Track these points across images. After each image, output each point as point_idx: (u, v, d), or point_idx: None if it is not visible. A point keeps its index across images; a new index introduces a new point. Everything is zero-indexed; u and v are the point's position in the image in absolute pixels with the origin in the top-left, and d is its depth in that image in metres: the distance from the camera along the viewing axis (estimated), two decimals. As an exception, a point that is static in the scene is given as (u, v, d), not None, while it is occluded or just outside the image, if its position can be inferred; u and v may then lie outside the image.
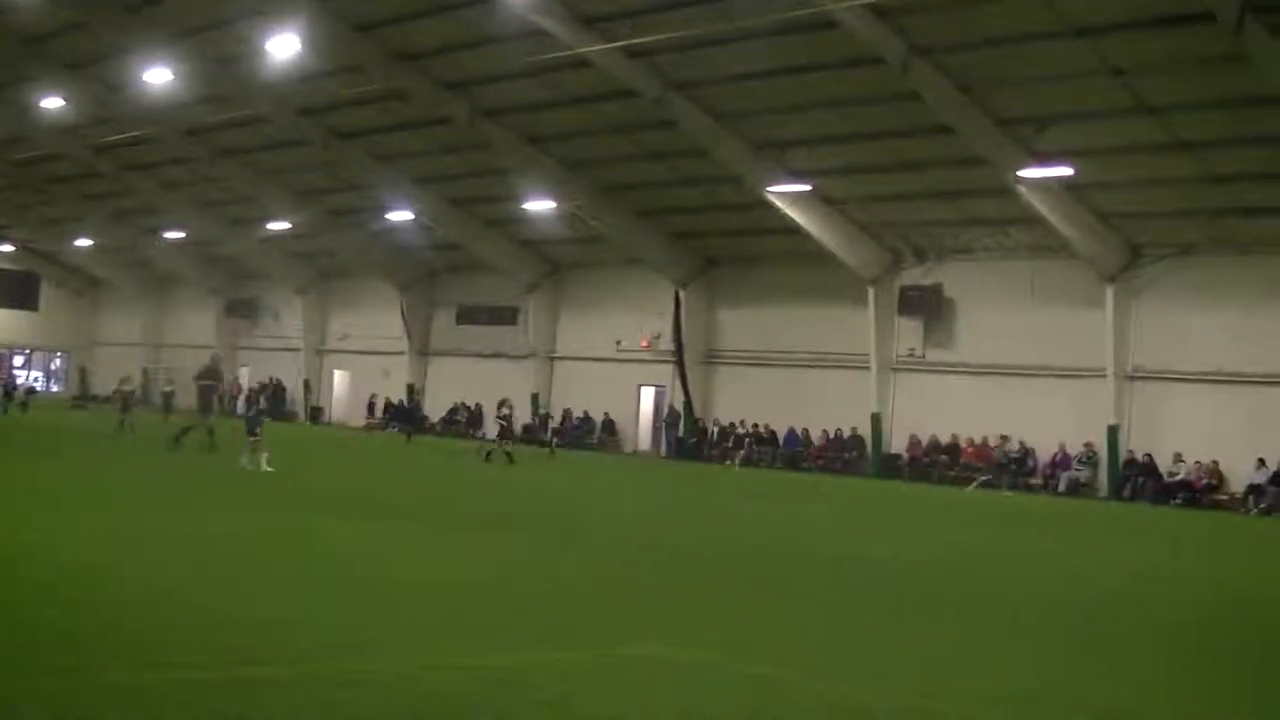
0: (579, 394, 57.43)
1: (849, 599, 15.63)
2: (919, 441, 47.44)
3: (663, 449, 54.67)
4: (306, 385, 70.05)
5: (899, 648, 12.35)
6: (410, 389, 62.31)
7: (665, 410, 55.00)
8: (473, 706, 8.93)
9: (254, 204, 63.24)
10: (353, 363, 68.80)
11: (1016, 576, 19.61)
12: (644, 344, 55.10)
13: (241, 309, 75.08)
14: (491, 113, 48.26)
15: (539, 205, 52.22)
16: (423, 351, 65.17)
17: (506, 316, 60.93)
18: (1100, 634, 14.01)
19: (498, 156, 50.71)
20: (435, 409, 63.05)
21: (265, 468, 29.44)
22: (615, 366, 56.22)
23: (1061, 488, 43.43)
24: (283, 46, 41.98)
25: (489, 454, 41.24)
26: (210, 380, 38.28)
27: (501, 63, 43.98)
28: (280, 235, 64.75)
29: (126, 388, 45.95)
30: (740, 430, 51.67)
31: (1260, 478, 39.92)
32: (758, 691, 9.90)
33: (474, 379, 61.57)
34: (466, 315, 62.99)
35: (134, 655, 9.75)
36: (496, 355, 60.70)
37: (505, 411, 42.31)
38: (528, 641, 11.41)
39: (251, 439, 30.27)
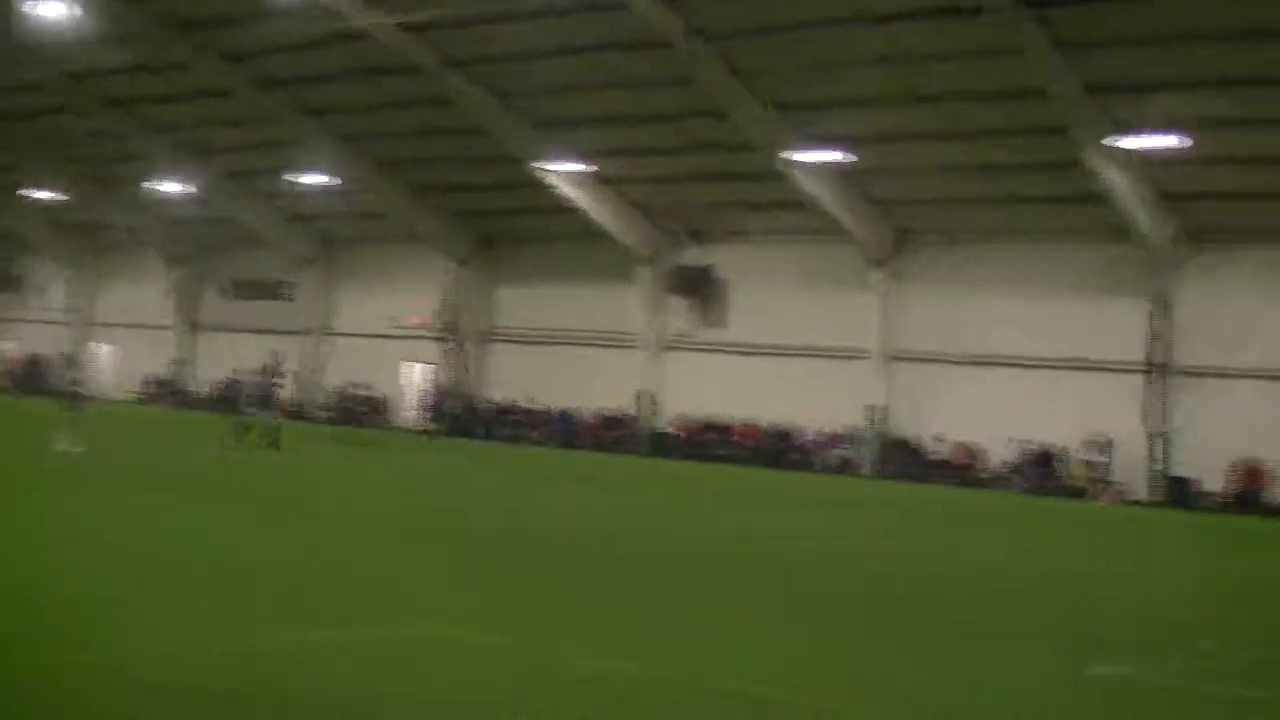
0: (354, 370, 56.98)
1: (614, 577, 15.84)
2: (689, 420, 48.14)
3: (434, 426, 54.52)
4: (72, 358, 68.03)
5: (666, 624, 12.58)
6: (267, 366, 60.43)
7: (438, 387, 54.89)
8: (250, 688, 8.84)
9: (18, 172, 61.30)
10: (119, 336, 67.16)
11: (768, 552, 20.02)
12: (419, 321, 54.84)
13: (5, 282, 72.69)
14: (270, 85, 47.65)
15: (316, 180, 51.75)
16: (194, 326, 64.05)
17: (281, 292, 60.21)
18: (849, 606, 14.52)
19: (275, 130, 50.10)
20: (205, 384, 62.05)
21: (67, 447, 27.41)
22: (389, 343, 55.84)
23: (827, 466, 44.51)
24: (51, 9, 40.97)
25: (248, 428, 37.59)
26: (271, 378, 37.23)
27: (281, 34, 43.38)
28: (48, 205, 63.04)
29: None
30: (527, 407, 51.70)
31: (1014, 456, 41.51)
32: (534, 668, 10.06)
33: (246, 354, 60.54)
34: (240, 290, 62.03)
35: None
36: (269, 331, 59.83)
37: (272, 378, 38.81)
38: (304, 621, 11.35)
39: (70, 415, 28.76)
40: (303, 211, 57.21)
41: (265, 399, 37.05)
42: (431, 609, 12.41)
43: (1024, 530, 29.16)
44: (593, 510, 25.67)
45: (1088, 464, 40.63)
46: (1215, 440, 38.43)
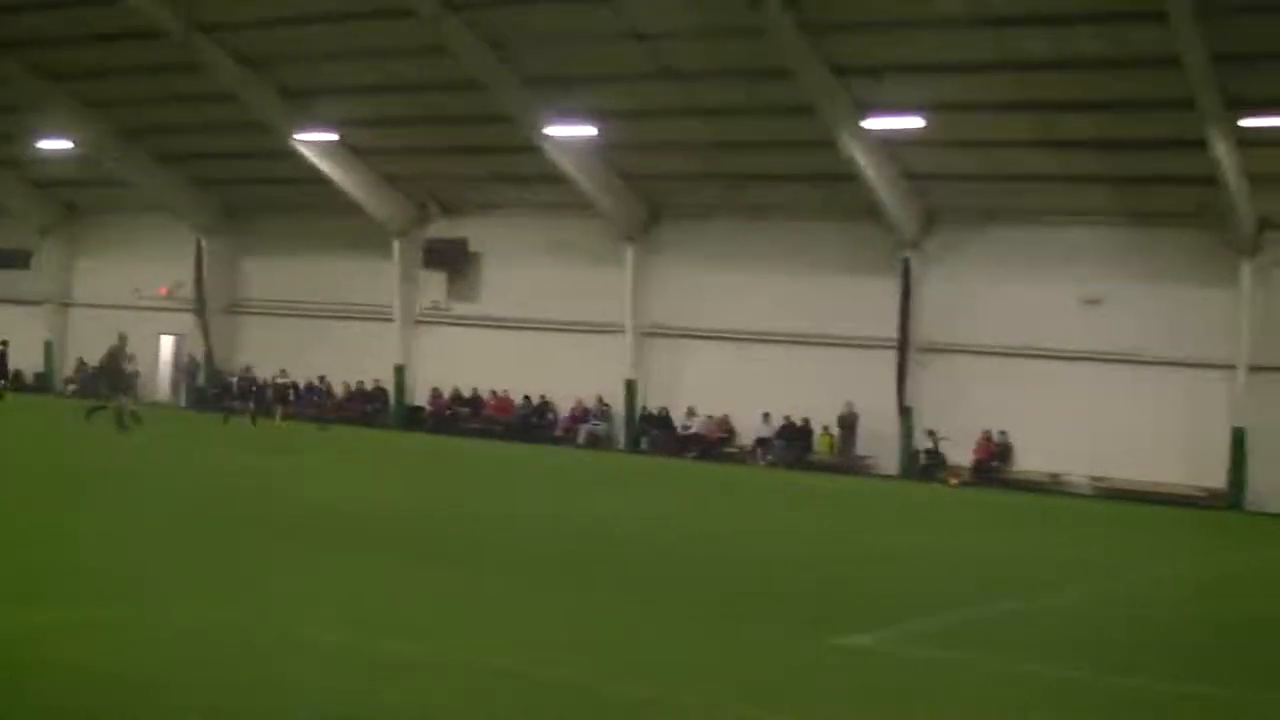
0: (97, 343, 55.17)
1: (420, 558, 15.49)
2: (441, 394, 47.88)
3: (182, 400, 53.41)
4: None
5: (513, 613, 12.24)
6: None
7: (185, 360, 53.72)
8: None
9: None
10: None
11: (572, 533, 19.85)
12: (164, 291, 53.48)
13: None
14: (8, 45, 45.89)
15: (55, 145, 50.04)
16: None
17: (18, 260, 58.14)
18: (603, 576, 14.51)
19: (13, 93, 48.30)
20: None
21: None
22: (135, 315, 54.24)
23: (580, 441, 44.65)
24: None
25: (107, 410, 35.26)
26: (122, 361, 35.35)
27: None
28: None
29: None
30: (282, 381, 50.17)
31: (766, 431, 42.17)
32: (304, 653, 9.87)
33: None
34: (-26, 259, 59.76)
35: None
36: (6, 301, 57.78)
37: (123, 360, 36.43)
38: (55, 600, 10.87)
39: None
40: (43, 178, 55.29)
41: (116, 381, 35.64)
42: (226, 595, 11.93)
43: (789, 507, 29.39)
44: (367, 491, 24.91)
45: (835, 438, 41.66)
46: (958, 414, 39.57)
